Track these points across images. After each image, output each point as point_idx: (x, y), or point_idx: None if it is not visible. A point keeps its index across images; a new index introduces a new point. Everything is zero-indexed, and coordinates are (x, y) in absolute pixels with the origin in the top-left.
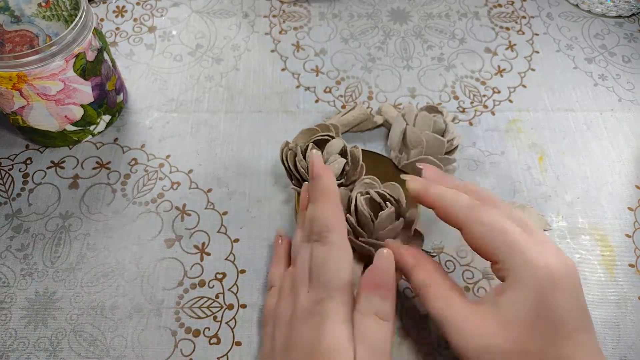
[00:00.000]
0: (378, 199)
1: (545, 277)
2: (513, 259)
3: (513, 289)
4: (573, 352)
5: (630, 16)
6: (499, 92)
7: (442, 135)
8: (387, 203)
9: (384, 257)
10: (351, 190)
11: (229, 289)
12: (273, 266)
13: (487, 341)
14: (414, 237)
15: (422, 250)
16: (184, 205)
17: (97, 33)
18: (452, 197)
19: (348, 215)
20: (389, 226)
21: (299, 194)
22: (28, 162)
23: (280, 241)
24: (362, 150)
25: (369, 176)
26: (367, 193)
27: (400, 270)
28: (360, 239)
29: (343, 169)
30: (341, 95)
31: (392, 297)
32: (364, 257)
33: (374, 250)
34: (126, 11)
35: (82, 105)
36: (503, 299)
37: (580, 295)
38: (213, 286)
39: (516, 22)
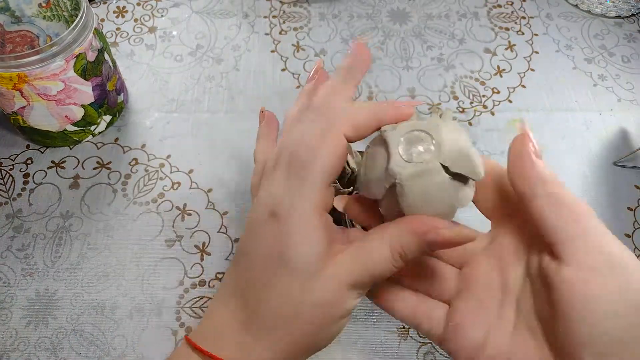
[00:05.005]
0: None
1: None
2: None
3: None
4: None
5: (630, 16)
6: (498, 92)
7: None
8: None
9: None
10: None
11: None
12: (257, 143)
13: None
14: None
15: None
16: (185, 205)
17: (98, 33)
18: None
19: None
20: None
21: None
22: (29, 162)
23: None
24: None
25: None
26: None
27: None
28: None
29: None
30: None
31: None
32: None
33: None
34: (127, 11)
35: (82, 106)
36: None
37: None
38: (213, 286)
39: (516, 23)
